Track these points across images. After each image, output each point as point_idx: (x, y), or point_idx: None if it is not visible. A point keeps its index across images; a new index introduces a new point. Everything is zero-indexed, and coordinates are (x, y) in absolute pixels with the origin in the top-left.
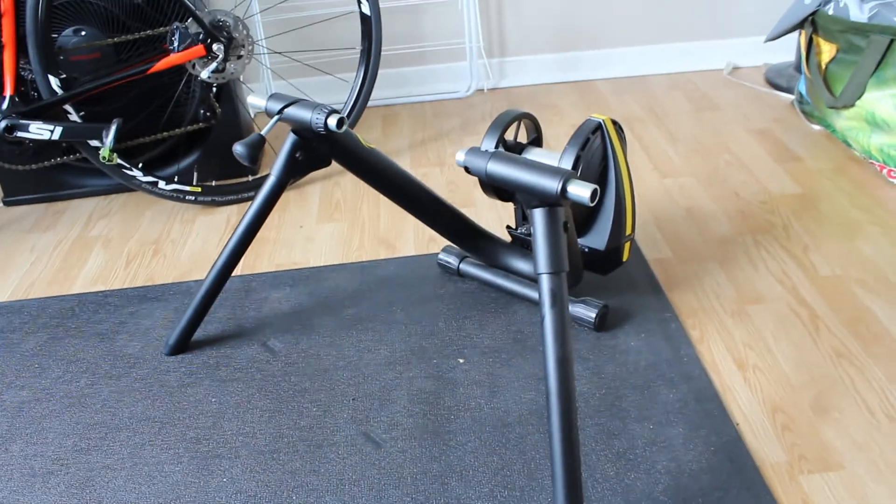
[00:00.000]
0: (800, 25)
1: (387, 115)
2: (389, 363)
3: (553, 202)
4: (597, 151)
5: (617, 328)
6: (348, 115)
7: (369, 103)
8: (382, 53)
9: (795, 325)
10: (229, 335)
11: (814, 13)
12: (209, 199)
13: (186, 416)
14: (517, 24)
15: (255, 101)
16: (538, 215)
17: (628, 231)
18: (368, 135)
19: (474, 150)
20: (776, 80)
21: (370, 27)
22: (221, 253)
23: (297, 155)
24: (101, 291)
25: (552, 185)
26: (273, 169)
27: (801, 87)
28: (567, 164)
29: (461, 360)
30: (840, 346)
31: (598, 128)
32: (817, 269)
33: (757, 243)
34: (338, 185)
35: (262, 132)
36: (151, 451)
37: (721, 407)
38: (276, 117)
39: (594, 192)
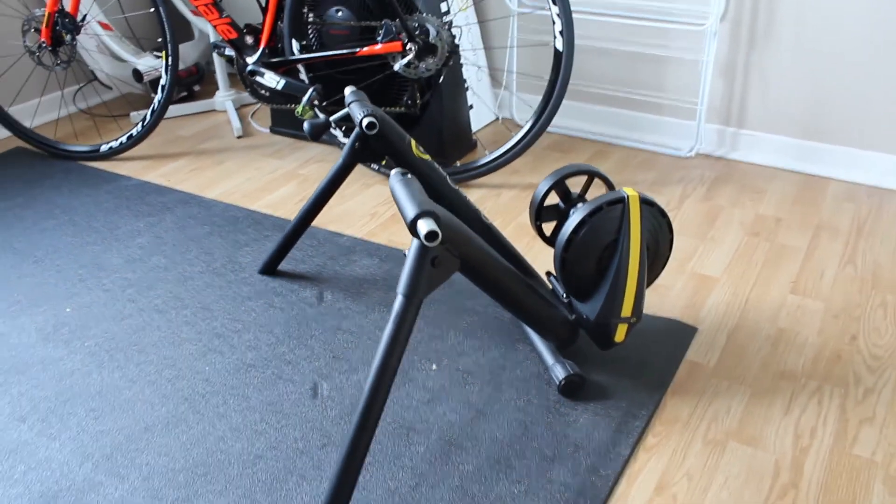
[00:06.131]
0: None
1: (599, 151)
2: None
3: (414, 234)
4: (610, 223)
5: (583, 401)
6: (522, 138)
7: (587, 136)
8: (615, 93)
9: (762, 483)
10: (307, 276)
11: None
12: (388, 172)
13: (227, 318)
14: (762, 99)
15: (347, 91)
16: (413, 243)
17: (626, 313)
18: (572, 162)
19: (399, 172)
20: None
21: (560, 63)
22: (299, 210)
23: (356, 145)
24: (265, 213)
25: (408, 214)
26: (342, 152)
27: None
28: (572, 224)
29: (434, 367)
30: None
31: (620, 201)
32: (854, 446)
33: (818, 392)
34: (498, 195)
35: (332, 118)
36: (189, 329)
37: None
38: (345, 109)
39: (430, 234)
